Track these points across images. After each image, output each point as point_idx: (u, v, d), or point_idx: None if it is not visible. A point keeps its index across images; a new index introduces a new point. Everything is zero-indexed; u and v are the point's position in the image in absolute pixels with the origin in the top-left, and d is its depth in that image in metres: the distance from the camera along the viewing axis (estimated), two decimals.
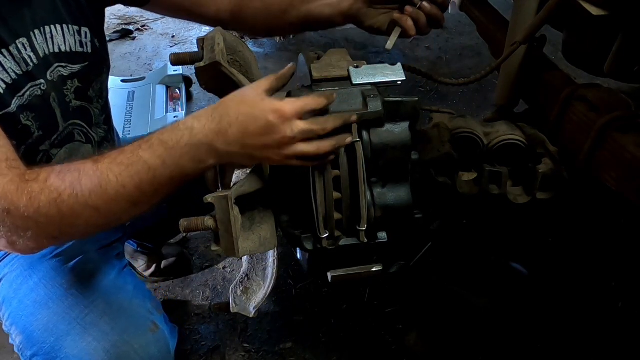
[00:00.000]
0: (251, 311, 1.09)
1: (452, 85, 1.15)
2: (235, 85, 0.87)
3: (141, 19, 3.45)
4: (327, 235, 0.92)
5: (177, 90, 2.60)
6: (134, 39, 3.30)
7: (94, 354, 0.98)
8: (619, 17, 1.09)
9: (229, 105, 0.80)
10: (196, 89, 2.72)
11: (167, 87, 2.59)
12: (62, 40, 1.03)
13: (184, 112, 2.46)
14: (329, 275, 0.99)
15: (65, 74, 1.05)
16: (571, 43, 1.34)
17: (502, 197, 1.13)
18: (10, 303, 1.07)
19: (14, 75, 0.95)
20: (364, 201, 0.90)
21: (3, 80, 0.93)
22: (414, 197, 0.98)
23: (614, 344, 1.49)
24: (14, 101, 0.95)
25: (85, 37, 1.08)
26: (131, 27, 3.36)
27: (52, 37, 1.01)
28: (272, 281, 1.05)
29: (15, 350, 1.06)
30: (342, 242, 0.95)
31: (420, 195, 1.02)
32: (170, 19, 3.44)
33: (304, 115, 0.80)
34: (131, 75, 2.78)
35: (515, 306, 1.60)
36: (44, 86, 1.00)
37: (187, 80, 2.68)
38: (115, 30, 3.30)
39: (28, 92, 0.98)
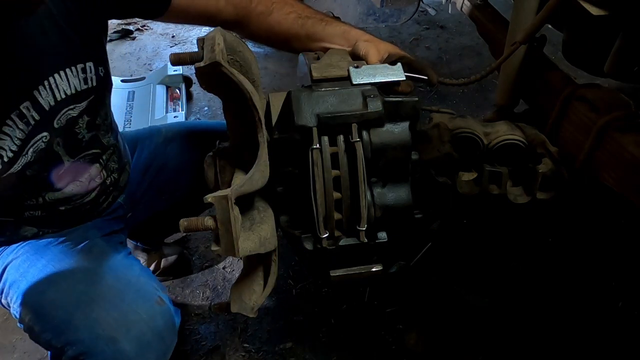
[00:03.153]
0: (251, 311, 1.09)
1: (452, 85, 1.15)
2: (236, 86, 0.87)
3: (141, 19, 3.44)
4: (327, 235, 0.92)
5: (177, 90, 2.60)
6: (134, 39, 3.29)
7: (103, 323, 1.00)
8: (619, 17, 1.09)
9: None
10: (196, 89, 2.72)
11: (167, 87, 2.59)
12: (67, 85, 1.01)
13: (184, 112, 2.46)
14: (329, 275, 0.99)
15: (74, 115, 1.05)
16: (571, 43, 1.34)
17: (502, 197, 1.13)
18: (18, 286, 1.08)
19: (18, 142, 0.95)
20: (364, 201, 0.90)
21: (10, 149, 0.94)
22: (414, 197, 0.98)
23: (614, 344, 1.49)
24: (18, 161, 0.97)
25: (90, 72, 1.05)
26: (131, 27, 3.35)
27: (57, 86, 0.99)
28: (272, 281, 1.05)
29: (24, 330, 1.08)
30: (342, 242, 0.95)
31: (420, 195, 1.02)
32: None
33: None
34: (131, 75, 2.78)
35: (515, 306, 1.61)
36: (46, 138, 1.01)
37: (187, 80, 2.68)
38: (115, 30, 3.28)
39: (32, 150, 0.99)
